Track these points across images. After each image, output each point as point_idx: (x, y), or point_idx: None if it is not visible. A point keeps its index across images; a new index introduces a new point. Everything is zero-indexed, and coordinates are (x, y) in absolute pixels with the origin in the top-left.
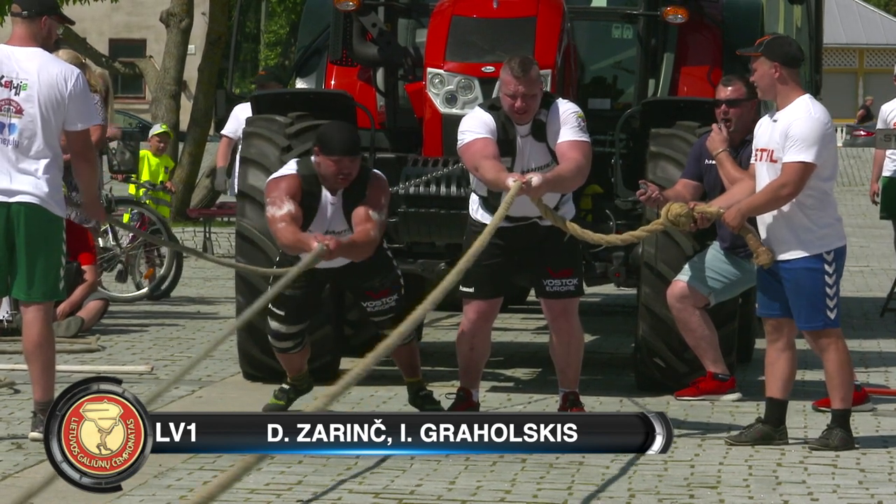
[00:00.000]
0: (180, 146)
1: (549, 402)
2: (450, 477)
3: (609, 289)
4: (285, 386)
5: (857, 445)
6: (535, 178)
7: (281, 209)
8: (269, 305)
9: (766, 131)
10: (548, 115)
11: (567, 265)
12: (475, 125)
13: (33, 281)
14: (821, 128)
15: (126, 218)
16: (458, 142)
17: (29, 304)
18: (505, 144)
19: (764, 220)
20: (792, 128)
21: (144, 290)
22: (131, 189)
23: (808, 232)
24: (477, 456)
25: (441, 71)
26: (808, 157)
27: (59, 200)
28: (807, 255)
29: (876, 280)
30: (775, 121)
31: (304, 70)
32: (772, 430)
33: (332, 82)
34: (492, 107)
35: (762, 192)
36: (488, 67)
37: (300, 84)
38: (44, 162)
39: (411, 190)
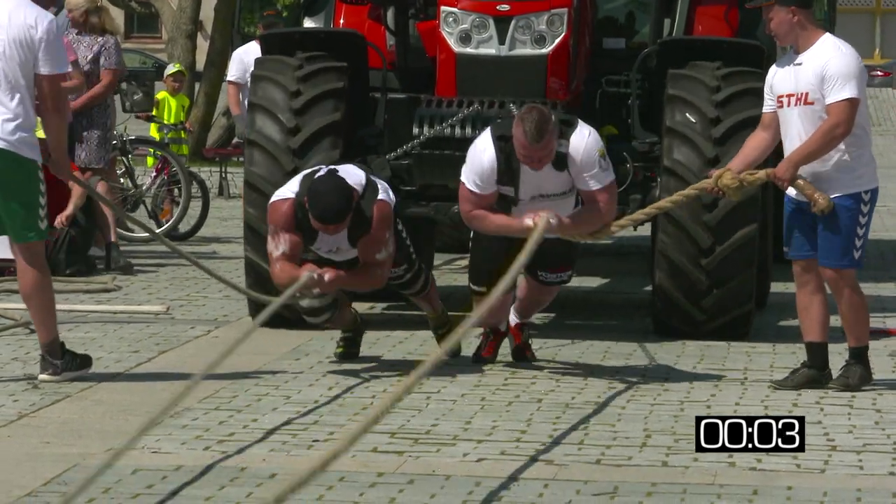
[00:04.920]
0: (196, 86)
1: (565, 347)
2: (465, 417)
3: (625, 231)
4: (345, 335)
5: (887, 391)
6: (553, 220)
7: (277, 248)
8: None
9: (788, 76)
10: (569, 147)
11: (565, 263)
12: (473, 172)
13: (10, 222)
14: (855, 61)
15: (150, 161)
16: (463, 168)
17: (21, 248)
18: (507, 175)
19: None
20: (829, 67)
21: (162, 228)
22: (152, 130)
23: (849, 171)
24: (492, 396)
25: (455, 9)
26: (852, 92)
27: (29, 143)
28: (845, 193)
29: (893, 220)
30: (800, 63)
31: (312, 9)
32: (818, 373)
33: (342, 21)
34: (501, 136)
35: (814, 137)
36: (503, 6)
37: (308, 23)
38: (10, 104)
39: (425, 131)
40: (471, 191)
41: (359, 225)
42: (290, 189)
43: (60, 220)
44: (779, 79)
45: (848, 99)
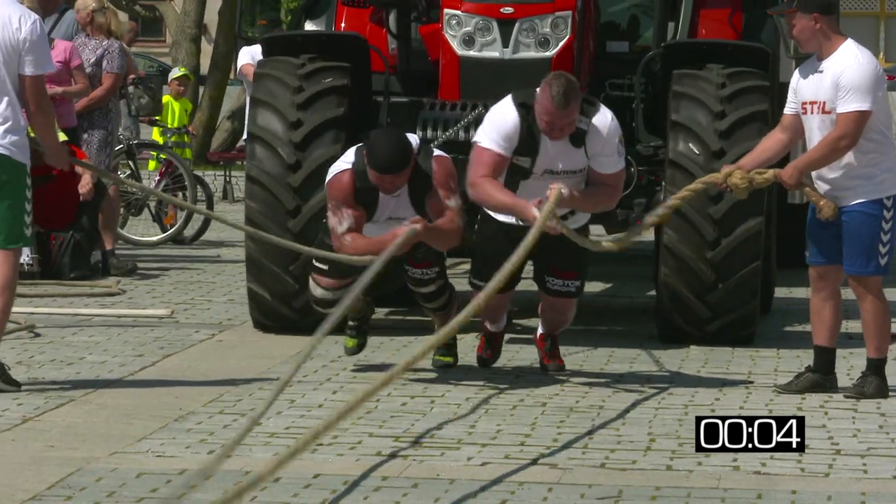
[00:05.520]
0: (200, 90)
1: (569, 352)
2: (470, 421)
3: None
4: (352, 323)
5: (892, 394)
6: (565, 192)
7: (341, 224)
8: (314, 262)
9: (812, 83)
10: (589, 126)
11: (572, 267)
12: (496, 132)
13: None
14: (872, 72)
15: (152, 164)
16: (479, 131)
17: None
18: (527, 144)
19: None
20: (843, 77)
21: (167, 233)
22: (155, 133)
23: (870, 177)
24: (496, 400)
25: (458, 12)
26: (863, 105)
27: (19, 146)
28: (866, 199)
29: None
30: (821, 71)
31: (313, 12)
32: (822, 378)
33: (343, 24)
34: (523, 104)
35: (819, 146)
36: (507, 8)
37: (309, 26)
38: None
39: (429, 135)
40: (488, 149)
41: (418, 182)
42: (345, 161)
43: (85, 187)
44: (802, 84)
45: (858, 111)
